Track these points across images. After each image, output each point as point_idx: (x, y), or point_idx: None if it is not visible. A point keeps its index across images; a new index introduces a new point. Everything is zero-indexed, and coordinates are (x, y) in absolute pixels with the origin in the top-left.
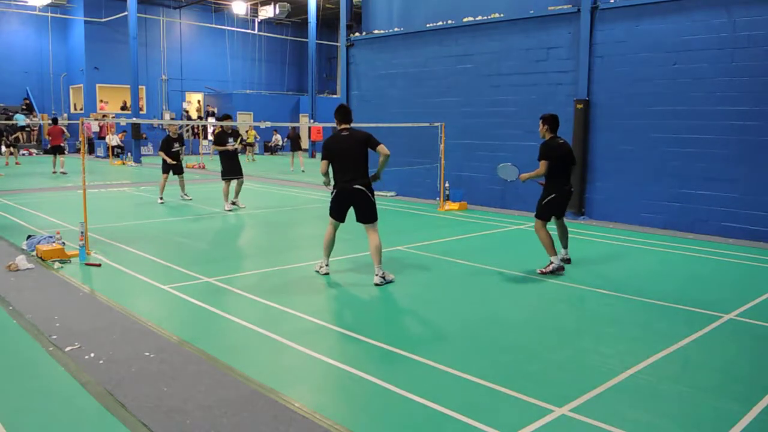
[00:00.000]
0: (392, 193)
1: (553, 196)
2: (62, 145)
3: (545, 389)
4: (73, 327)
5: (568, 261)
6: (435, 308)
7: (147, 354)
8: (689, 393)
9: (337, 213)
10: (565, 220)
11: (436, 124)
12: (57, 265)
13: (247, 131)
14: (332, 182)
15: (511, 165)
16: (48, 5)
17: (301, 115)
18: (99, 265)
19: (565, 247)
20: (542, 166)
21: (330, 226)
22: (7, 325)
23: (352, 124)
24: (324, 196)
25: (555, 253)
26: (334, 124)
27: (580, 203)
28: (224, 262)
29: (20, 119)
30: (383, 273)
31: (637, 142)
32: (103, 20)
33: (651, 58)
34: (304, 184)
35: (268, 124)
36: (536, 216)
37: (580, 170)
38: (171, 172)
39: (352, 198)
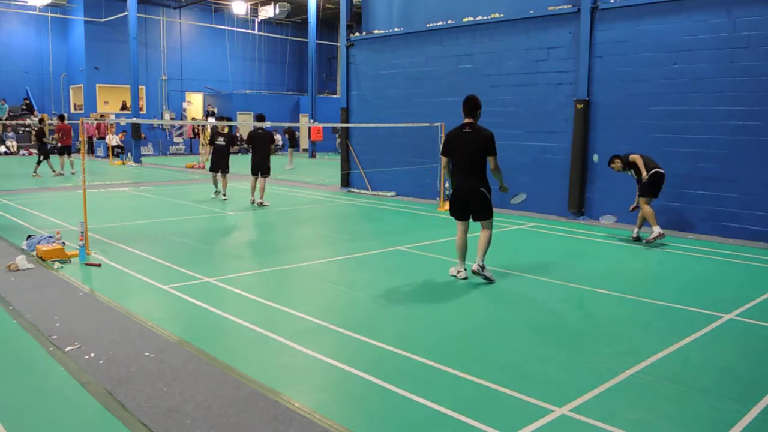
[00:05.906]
0: (392, 193)
1: (653, 172)
2: (70, 145)
3: (545, 389)
4: (73, 327)
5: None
6: (434, 308)
7: (147, 354)
8: (689, 393)
9: (459, 213)
10: (565, 220)
11: (436, 124)
12: (57, 265)
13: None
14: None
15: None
16: (48, 5)
17: (301, 115)
18: (99, 265)
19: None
20: (637, 161)
21: (458, 228)
22: (7, 325)
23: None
24: (324, 195)
25: (657, 224)
26: (336, 124)
27: (580, 203)
28: (224, 262)
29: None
30: (483, 265)
31: (637, 142)
32: (103, 20)
33: (651, 58)
34: (304, 184)
35: (268, 124)
36: (640, 195)
37: (579, 170)
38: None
39: (470, 198)
